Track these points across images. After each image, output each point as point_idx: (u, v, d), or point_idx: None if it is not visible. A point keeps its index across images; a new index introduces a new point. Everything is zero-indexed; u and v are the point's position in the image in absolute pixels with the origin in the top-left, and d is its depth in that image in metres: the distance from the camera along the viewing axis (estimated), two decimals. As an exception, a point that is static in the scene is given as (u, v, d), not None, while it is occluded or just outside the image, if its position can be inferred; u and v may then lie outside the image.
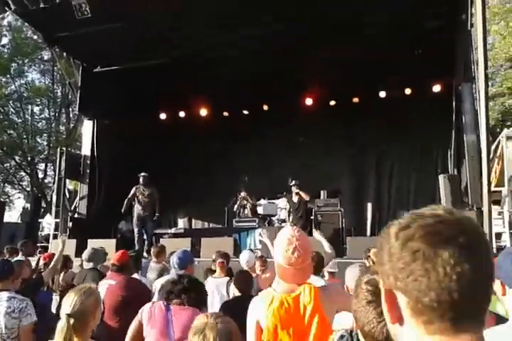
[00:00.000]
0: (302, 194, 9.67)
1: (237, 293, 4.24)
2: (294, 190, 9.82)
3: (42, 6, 8.92)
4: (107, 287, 4.32)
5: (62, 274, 5.58)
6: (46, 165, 25.77)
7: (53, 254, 6.59)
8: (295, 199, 9.85)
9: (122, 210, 10.11)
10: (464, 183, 9.15)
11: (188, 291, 3.05)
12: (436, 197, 10.44)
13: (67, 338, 2.22)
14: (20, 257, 7.14)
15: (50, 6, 8.88)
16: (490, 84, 16.14)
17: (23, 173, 25.86)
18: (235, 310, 3.83)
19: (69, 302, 2.35)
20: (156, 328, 2.95)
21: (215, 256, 5.18)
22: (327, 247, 5.09)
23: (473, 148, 8.93)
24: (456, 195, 8.36)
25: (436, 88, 11.23)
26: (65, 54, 12.46)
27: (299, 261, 2.23)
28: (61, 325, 2.26)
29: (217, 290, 4.71)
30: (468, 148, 9.13)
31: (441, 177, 8.78)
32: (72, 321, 2.27)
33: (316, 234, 5.67)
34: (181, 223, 13.87)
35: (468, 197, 8.82)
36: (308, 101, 12.38)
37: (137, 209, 10.25)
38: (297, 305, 2.21)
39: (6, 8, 9.41)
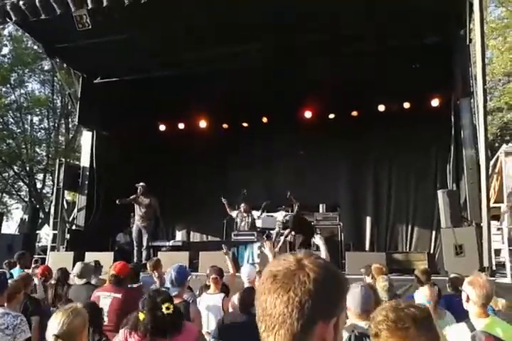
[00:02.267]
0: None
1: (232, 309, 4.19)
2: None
3: (43, 17, 8.96)
4: (111, 299, 4.25)
5: (64, 288, 5.53)
6: (45, 176, 25.71)
7: (48, 267, 6.56)
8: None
9: (117, 200, 9.85)
10: (463, 198, 9.12)
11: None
12: (435, 212, 10.43)
13: None
14: (17, 269, 7.12)
15: (51, 17, 8.92)
16: (488, 98, 16.20)
17: (21, 183, 25.80)
18: (237, 324, 3.82)
19: (56, 323, 2.31)
20: None
21: (208, 272, 5.12)
22: (323, 253, 5.24)
23: (472, 163, 8.90)
24: (455, 211, 8.33)
25: (435, 102, 11.25)
26: (65, 65, 12.48)
27: None
28: None
29: (213, 306, 4.65)
30: (467, 163, 9.11)
31: (440, 193, 8.76)
32: None
33: (317, 238, 5.75)
34: (179, 235, 13.81)
35: (467, 212, 8.79)
36: (308, 114, 12.39)
37: (135, 220, 10.21)
38: None
39: (7, 19, 9.44)
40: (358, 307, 2.89)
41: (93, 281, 5.48)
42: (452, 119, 9.95)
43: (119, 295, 4.25)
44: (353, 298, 2.89)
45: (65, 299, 5.01)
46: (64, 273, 5.99)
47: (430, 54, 9.82)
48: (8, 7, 9.02)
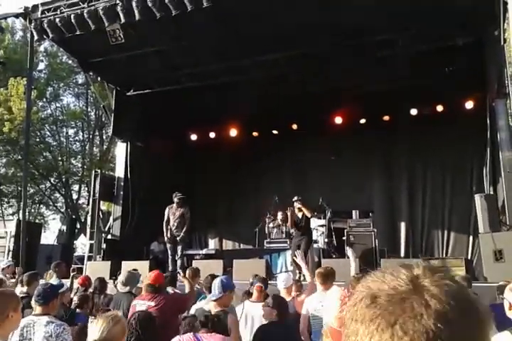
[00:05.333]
0: (304, 210, 9.05)
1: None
2: (297, 205, 9.14)
3: (78, 33, 9.22)
4: (145, 307, 4.29)
5: (101, 297, 5.62)
6: (80, 187, 26.25)
7: (88, 277, 6.69)
8: (299, 215, 9.21)
9: (165, 237, 10.01)
10: (501, 202, 8.91)
11: (212, 324, 3.18)
12: (472, 216, 10.21)
13: None
14: (54, 279, 7.26)
15: (86, 32, 9.17)
16: (524, 99, 15.78)
17: (57, 195, 26.39)
18: (273, 336, 3.81)
19: (97, 330, 2.36)
20: None
21: (252, 279, 5.14)
22: (353, 267, 5.20)
23: (510, 165, 8.71)
24: (493, 215, 8.13)
25: (469, 104, 11.06)
26: (99, 78, 12.79)
27: None
28: None
29: (255, 314, 4.62)
30: (504, 166, 8.91)
31: (477, 197, 8.57)
32: None
33: (349, 251, 5.68)
34: (212, 243, 13.87)
35: (505, 216, 8.58)
36: (338, 120, 12.33)
37: (170, 229, 10.29)
38: None
39: (44, 36, 9.75)
40: None
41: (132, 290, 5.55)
42: (488, 121, 9.76)
43: (152, 303, 4.31)
44: None
45: (102, 308, 5.10)
46: (101, 283, 6.10)
47: (463, 56, 9.68)
48: (45, 25, 9.33)
